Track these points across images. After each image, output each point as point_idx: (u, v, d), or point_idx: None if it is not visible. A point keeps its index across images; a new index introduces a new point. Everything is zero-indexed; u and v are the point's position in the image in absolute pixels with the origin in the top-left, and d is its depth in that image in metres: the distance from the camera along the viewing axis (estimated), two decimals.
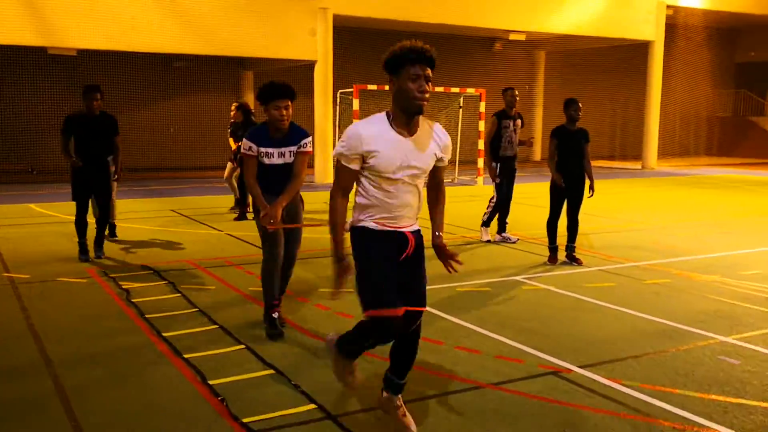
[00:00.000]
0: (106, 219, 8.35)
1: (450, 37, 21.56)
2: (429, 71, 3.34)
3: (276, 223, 5.04)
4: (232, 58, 19.31)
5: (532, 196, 13.54)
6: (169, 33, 15.92)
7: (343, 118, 17.76)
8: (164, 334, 5.38)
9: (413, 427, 3.70)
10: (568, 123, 8.08)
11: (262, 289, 5.42)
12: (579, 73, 25.81)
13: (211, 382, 4.43)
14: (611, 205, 13.49)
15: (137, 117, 20.25)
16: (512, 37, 20.19)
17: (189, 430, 3.81)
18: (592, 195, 8.10)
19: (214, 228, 10.60)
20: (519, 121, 9.46)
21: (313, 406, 4.11)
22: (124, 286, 6.84)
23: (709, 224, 11.47)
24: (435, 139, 3.52)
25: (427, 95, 3.32)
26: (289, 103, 5.16)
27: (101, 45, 15.85)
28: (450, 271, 3.62)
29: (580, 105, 8.05)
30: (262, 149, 5.20)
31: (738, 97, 31.35)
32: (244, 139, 5.25)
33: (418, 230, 3.61)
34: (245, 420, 3.89)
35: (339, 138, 3.85)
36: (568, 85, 24.55)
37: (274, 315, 5.33)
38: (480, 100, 17.49)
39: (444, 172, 3.72)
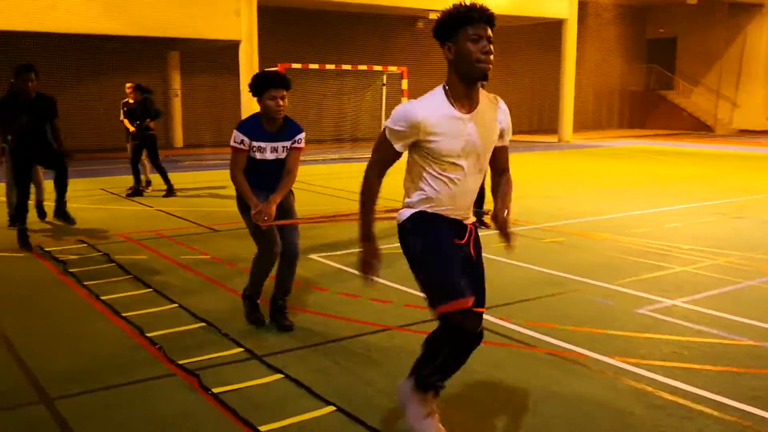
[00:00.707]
0: (65, 186, 7.92)
1: (373, 16, 22.10)
2: (490, 32, 3.00)
3: (269, 220, 4.81)
4: (159, 39, 19.40)
5: None
6: (92, 13, 15.96)
7: None
8: (102, 297, 5.86)
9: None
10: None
11: (250, 277, 5.22)
12: (499, 50, 26.68)
13: (148, 335, 4.96)
14: (527, 175, 14.38)
15: (67, 98, 20.11)
16: (432, 15, 20.82)
17: (131, 373, 4.35)
18: None
19: (145, 205, 10.98)
20: None
21: (240, 349, 4.70)
22: (61, 259, 7.24)
23: (612, 190, 12.49)
24: (498, 114, 3.18)
25: (492, 57, 2.98)
26: (285, 93, 4.83)
27: (20, 26, 15.78)
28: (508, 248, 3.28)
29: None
30: (255, 143, 4.88)
31: (649, 72, 32.95)
32: (235, 132, 4.90)
33: (474, 225, 3.31)
34: (181, 362, 4.45)
35: None
36: None
37: (257, 301, 5.24)
38: (402, 78, 18.14)
39: (507, 154, 3.32)
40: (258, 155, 4.91)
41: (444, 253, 3.07)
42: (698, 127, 30.36)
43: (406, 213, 3.19)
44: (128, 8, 16.34)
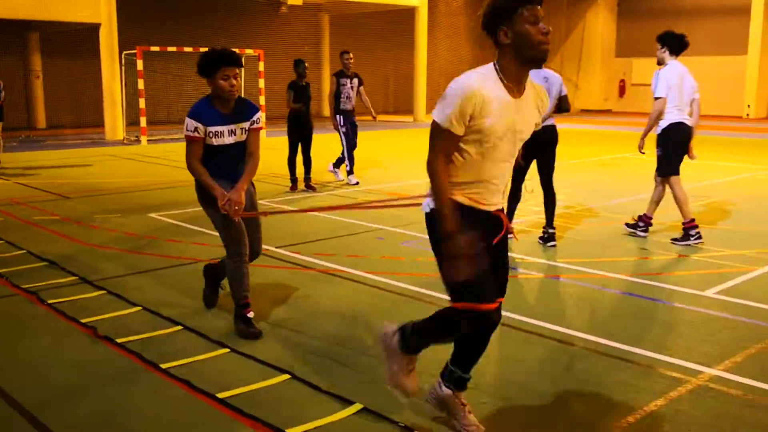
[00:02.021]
0: None
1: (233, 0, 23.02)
2: (542, 12, 2.97)
3: (240, 210, 4.47)
4: (17, 21, 19.57)
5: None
6: None
7: (128, 78, 18.81)
8: None
9: (480, 426, 3.33)
10: (298, 78, 10.21)
11: (230, 288, 4.79)
12: (359, 36, 28.24)
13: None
14: (379, 152, 15.90)
15: None
16: (290, 1, 22.02)
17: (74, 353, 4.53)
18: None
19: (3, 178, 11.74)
20: (356, 80, 10.91)
21: (140, 308, 5.80)
22: None
23: None
24: (538, 102, 3.14)
25: (549, 38, 2.94)
26: (237, 71, 4.53)
27: None
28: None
29: (306, 65, 10.19)
30: (211, 129, 4.52)
31: None
32: (187, 119, 4.55)
33: (502, 209, 3.23)
34: (119, 340, 4.53)
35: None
36: (348, 46, 26.88)
37: (249, 315, 4.68)
38: (259, 60, 19.30)
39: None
40: (215, 141, 4.53)
41: (472, 255, 2.92)
42: None
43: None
44: None
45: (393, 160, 14.50)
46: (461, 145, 3.00)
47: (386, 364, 3.41)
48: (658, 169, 7.32)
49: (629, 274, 6.16)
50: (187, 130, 4.53)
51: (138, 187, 10.95)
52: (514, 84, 2.98)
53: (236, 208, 4.43)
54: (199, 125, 4.51)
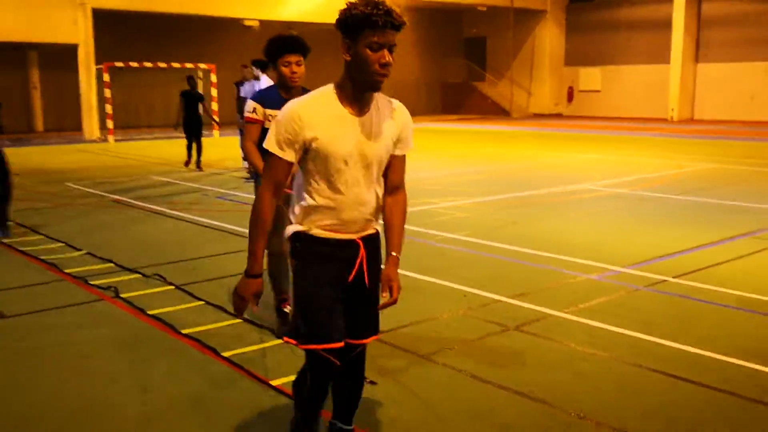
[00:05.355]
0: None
1: (192, 19, 26.76)
2: (394, 38, 2.66)
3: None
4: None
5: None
6: None
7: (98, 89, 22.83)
8: None
9: None
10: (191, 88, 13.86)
11: (271, 282, 4.94)
12: (322, 51, 31.90)
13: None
14: None
15: None
16: (247, 23, 25.82)
17: None
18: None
19: None
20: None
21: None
22: None
23: None
24: (393, 119, 2.86)
25: (388, 68, 2.66)
26: (301, 58, 4.53)
27: None
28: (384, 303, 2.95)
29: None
30: (270, 111, 4.55)
31: (468, 66, 38.88)
32: (248, 101, 4.67)
33: (373, 235, 2.95)
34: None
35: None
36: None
37: (285, 309, 4.86)
38: (211, 73, 23.15)
39: (403, 165, 2.98)
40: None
41: (320, 293, 2.82)
42: (500, 112, 36.45)
43: (290, 230, 2.88)
44: None
45: None
46: (307, 175, 2.80)
47: None
48: None
49: None
50: (247, 111, 4.64)
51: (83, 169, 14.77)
52: (353, 102, 2.75)
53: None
54: (258, 106, 4.62)
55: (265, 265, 4.45)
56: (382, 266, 2.98)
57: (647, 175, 13.09)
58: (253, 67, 11.61)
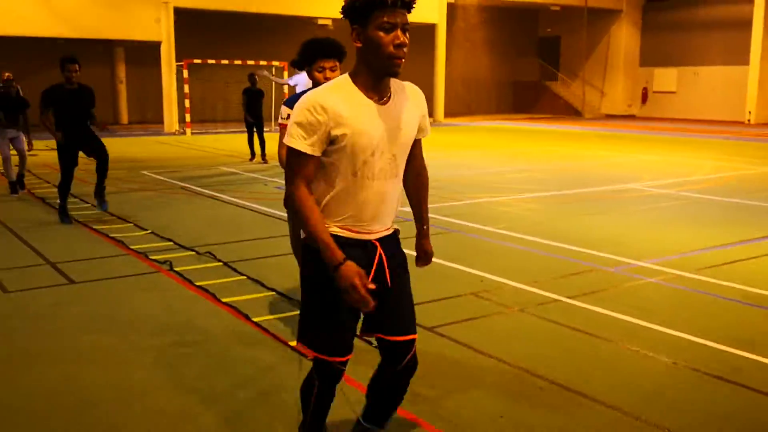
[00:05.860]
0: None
1: (270, 18, 27.81)
2: (405, 17, 2.54)
3: None
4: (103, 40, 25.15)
5: None
6: (46, 20, 21.82)
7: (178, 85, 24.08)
8: None
9: None
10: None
11: None
12: None
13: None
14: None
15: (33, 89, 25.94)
16: (320, 22, 26.66)
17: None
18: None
19: None
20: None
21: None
22: None
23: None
24: (413, 104, 2.75)
25: (404, 50, 2.54)
26: (336, 63, 4.32)
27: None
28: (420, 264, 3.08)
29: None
30: None
31: (541, 65, 38.83)
32: (282, 106, 4.54)
33: (394, 234, 2.84)
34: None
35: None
36: None
37: None
38: (284, 70, 24.11)
39: (421, 147, 2.94)
40: None
41: (337, 315, 2.69)
42: (572, 113, 36.28)
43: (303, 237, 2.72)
44: (73, 14, 22.22)
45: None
46: (327, 170, 2.64)
47: None
48: None
49: None
50: (281, 118, 4.45)
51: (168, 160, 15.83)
52: (371, 90, 2.61)
53: None
54: (291, 111, 4.29)
55: (292, 241, 4.74)
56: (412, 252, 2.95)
57: (698, 177, 13.16)
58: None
